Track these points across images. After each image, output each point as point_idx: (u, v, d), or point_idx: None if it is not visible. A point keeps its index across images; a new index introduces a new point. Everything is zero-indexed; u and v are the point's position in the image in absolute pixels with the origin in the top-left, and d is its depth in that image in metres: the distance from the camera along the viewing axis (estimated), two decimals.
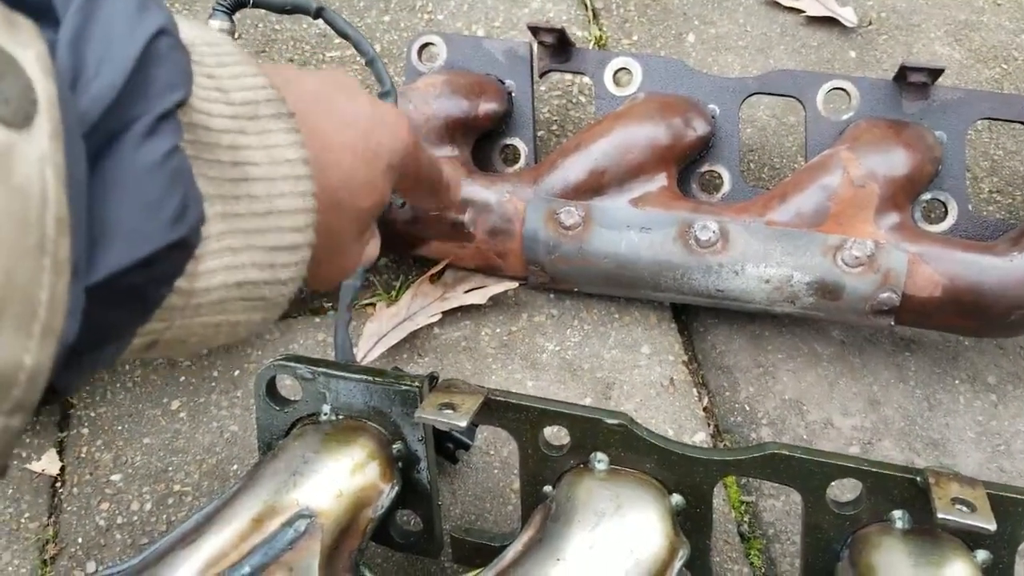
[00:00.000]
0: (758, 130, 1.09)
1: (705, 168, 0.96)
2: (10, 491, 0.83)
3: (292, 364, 0.73)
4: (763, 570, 0.78)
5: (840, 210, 0.85)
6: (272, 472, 0.69)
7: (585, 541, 0.65)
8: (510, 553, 0.67)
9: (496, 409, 0.71)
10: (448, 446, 0.81)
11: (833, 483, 0.67)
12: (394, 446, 0.72)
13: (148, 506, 0.82)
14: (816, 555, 0.70)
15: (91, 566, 0.78)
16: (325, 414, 0.73)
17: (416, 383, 0.71)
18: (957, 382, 0.89)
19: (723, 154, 0.95)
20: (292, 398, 0.75)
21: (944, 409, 0.87)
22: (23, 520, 0.82)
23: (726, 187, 0.95)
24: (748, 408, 0.88)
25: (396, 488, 0.71)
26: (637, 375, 0.90)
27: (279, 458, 0.70)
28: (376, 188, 0.50)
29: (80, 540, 0.80)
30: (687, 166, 0.96)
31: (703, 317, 0.95)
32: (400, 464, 0.73)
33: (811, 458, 0.67)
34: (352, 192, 0.48)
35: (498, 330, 0.93)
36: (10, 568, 0.78)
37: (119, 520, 0.81)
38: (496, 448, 0.86)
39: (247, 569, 0.63)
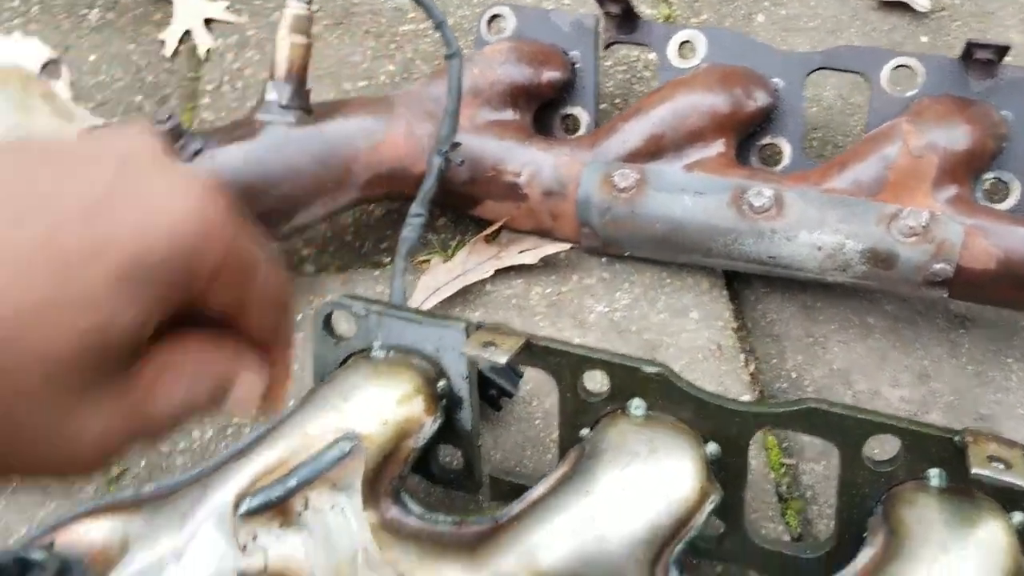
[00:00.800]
0: (823, 109, 1.09)
1: (766, 140, 0.97)
2: None
3: (348, 301, 0.76)
4: (798, 530, 0.79)
5: (898, 180, 0.85)
6: (323, 397, 0.72)
7: (615, 478, 0.66)
8: (541, 487, 0.69)
9: (537, 352, 0.73)
10: (492, 393, 0.84)
11: (870, 440, 0.68)
12: (439, 383, 0.75)
13: (208, 434, 0.86)
14: (850, 511, 0.70)
15: (152, 488, 0.82)
16: (375, 349, 0.76)
17: (463, 324, 0.73)
18: (1011, 360, 0.88)
19: (785, 127, 0.96)
20: (346, 335, 0.78)
21: (995, 386, 0.86)
22: None
23: (786, 160, 0.96)
24: (795, 376, 0.89)
25: (439, 423, 0.74)
26: (684, 339, 0.91)
27: (330, 385, 0.73)
28: (93, 308, 0.32)
29: (143, 462, 0.85)
30: (748, 137, 0.96)
31: (756, 286, 0.95)
32: (444, 401, 0.75)
33: (849, 414, 0.68)
34: (26, 323, 0.30)
35: (548, 290, 0.95)
36: (75, 487, 0.83)
37: (181, 446, 0.85)
38: (539, 399, 0.88)
39: (294, 482, 0.66)
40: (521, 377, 0.85)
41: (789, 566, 0.72)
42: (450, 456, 0.80)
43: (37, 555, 0.62)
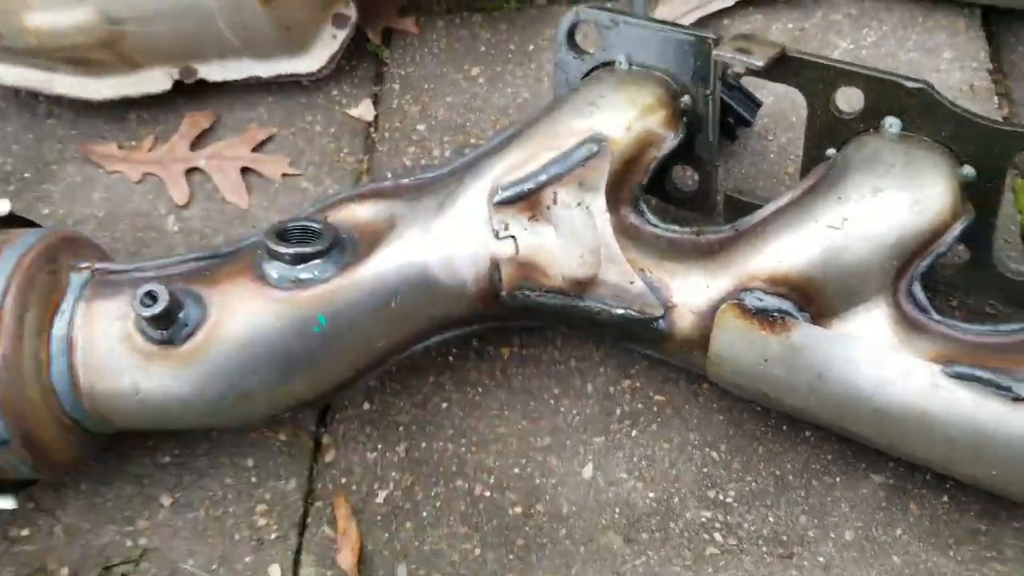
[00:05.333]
0: None
1: None
2: (332, 130, 0.94)
3: (594, 12, 0.76)
4: None
5: None
6: (571, 102, 0.73)
7: (869, 185, 0.65)
8: (785, 197, 0.69)
9: (791, 65, 0.71)
10: (729, 121, 0.83)
11: None
12: (682, 99, 0.74)
13: (448, 152, 0.90)
14: None
15: (409, 179, 0.87)
16: (620, 63, 0.76)
17: (712, 35, 0.72)
18: None
19: None
20: (589, 50, 0.78)
21: None
22: (342, 155, 0.93)
23: None
24: None
25: (680, 137, 0.74)
26: (935, 79, 0.85)
27: (578, 92, 0.74)
28: None
29: (389, 175, 0.90)
30: None
31: (1015, 27, 0.88)
32: (685, 119, 0.75)
33: None
34: None
35: (790, 25, 0.92)
36: (330, 191, 0.90)
37: (423, 162, 0.90)
38: (775, 134, 0.86)
39: (544, 176, 0.69)
40: (759, 107, 0.84)
41: None
42: (685, 174, 0.81)
43: (316, 225, 0.69)
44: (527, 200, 0.69)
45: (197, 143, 0.95)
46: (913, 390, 0.61)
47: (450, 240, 0.69)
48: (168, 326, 0.64)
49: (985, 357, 0.62)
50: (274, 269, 0.67)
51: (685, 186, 0.81)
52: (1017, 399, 0.59)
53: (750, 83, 0.82)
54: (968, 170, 0.68)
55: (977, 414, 0.60)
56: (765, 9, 0.93)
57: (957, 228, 0.66)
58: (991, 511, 0.67)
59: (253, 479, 0.76)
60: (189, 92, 0.95)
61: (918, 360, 0.61)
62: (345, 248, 0.69)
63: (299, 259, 0.66)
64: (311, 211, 0.73)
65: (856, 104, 0.70)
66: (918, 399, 0.61)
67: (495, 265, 0.69)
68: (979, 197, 0.69)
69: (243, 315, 0.66)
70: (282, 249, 0.67)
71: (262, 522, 0.74)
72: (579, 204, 0.70)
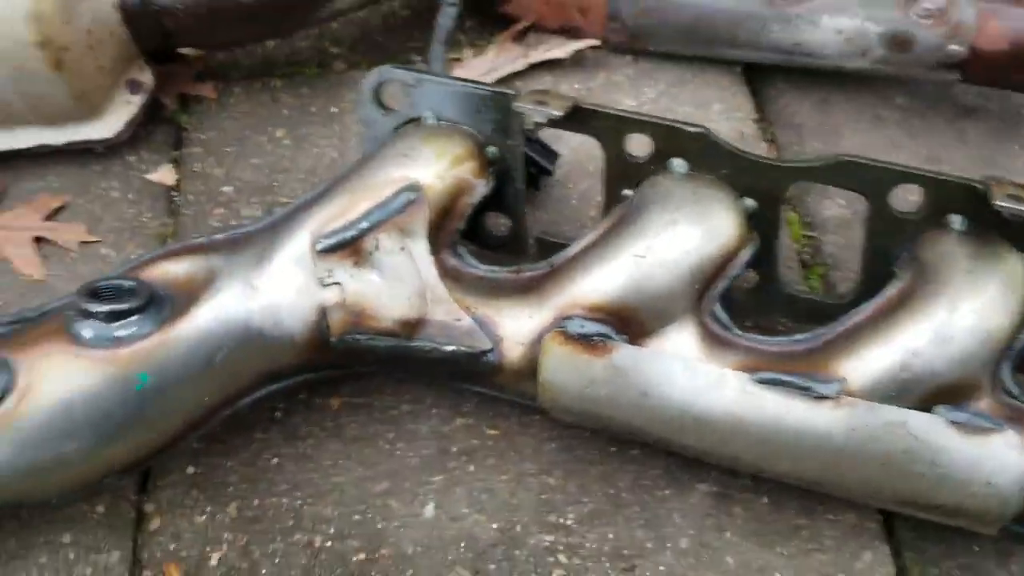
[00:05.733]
0: None
1: None
2: (131, 196, 0.91)
3: (398, 71, 0.79)
4: (822, 290, 0.85)
5: None
6: (383, 155, 0.76)
7: (665, 220, 0.71)
8: (592, 234, 0.74)
9: (585, 115, 0.77)
10: (531, 171, 0.88)
11: (897, 189, 0.73)
12: (489, 149, 0.78)
13: (258, 212, 0.90)
14: (876, 260, 0.76)
15: (221, 236, 0.85)
16: (427, 118, 0.79)
17: (511, 90, 0.77)
18: (1016, 147, 0.94)
19: None
20: (395, 108, 0.81)
21: (1001, 167, 0.92)
22: (144, 219, 0.90)
23: None
24: None
25: (490, 185, 0.78)
26: (710, 127, 0.95)
27: (389, 145, 0.77)
28: None
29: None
30: None
31: (774, 81, 1.00)
32: (493, 169, 0.79)
33: (878, 164, 0.73)
34: None
35: (576, 85, 0.99)
36: (133, 256, 0.87)
37: (232, 223, 0.89)
38: (575, 182, 0.92)
39: (365, 224, 0.71)
40: (558, 158, 0.89)
41: (817, 312, 0.78)
42: (497, 221, 0.85)
43: (129, 282, 0.66)
44: (350, 247, 0.70)
45: None
46: (727, 398, 0.66)
47: (273, 290, 0.69)
48: None
49: (785, 364, 0.68)
50: (88, 329, 0.64)
51: (499, 232, 0.85)
52: (819, 397, 0.65)
53: (547, 137, 0.88)
54: (749, 202, 0.76)
55: (784, 415, 0.66)
56: (553, 71, 1.00)
57: (746, 253, 0.74)
58: (808, 507, 0.73)
59: (71, 555, 0.71)
60: None
61: (727, 371, 0.67)
62: (163, 304, 0.67)
63: (114, 316, 0.64)
64: (122, 271, 0.70)
65: (646, 149, 0.77)
66: (732, 405, 0.66)
67: (322, 312, 0.69)
68: (761, 226, 0.76)
69: (58, 379, 0.62)
70: (95, 308, 0.64)
71: None
72: (402, 249, 0.71)
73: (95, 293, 0.65)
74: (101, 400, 0.63)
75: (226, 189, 0.92)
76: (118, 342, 0.64)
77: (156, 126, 0.96)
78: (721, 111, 0.97)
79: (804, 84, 0.99)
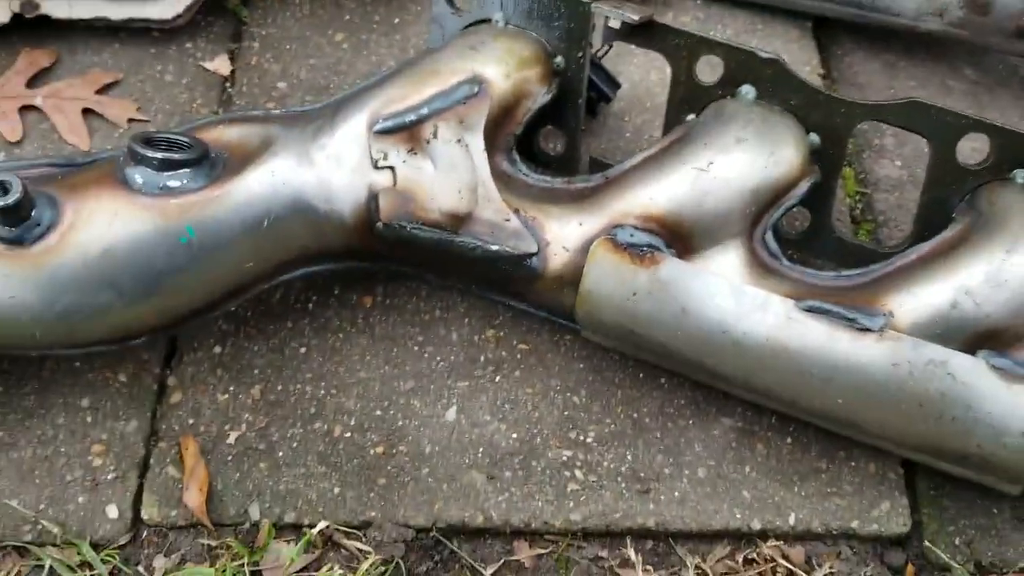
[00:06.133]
0: None
1: None
2: (185, 81, 0.90)
3: None
4: (870, 246, 0.83)
5: None
6: (452, 46, 0.75)
7: (731, 135, 0.70)
8: (652, 148, 0.72)
9: (659, 31, 0.75)
10: (592, 95, 0.86)
11: (963, 139, 0.71)
12: (555, 59, 0.77)
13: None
14: (932, 209, 0.74)
15: (280, 111, 0.83)
16: (497, 21, 0.78)
17: None
18: None
19: None
20: (464, 7, 0.80)
21: None
22: (195, 105, 0.89)
23: None
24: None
25: (553, 93, 0.76)
26: None
27: (459, 38, 0.76)
28: None
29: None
30: None
31: (842, 40, 0.98)
32: (556, 80, 0.78)
33: (950, 110, 0.71)
34: None
35: None
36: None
37: None
38: (631, 116, 0.91)
39: (426, 110, 0.70)
40: (619, 87, 0.88)
41: (864, 261, 0.76)
42: (552, 141, 0.83)
43: (184, 138, 0.66)
44: (407, 132, 0.69)
45: (34, 82, 0.88)
46: (769, 322, 0.65)
47: (327, 166, 0.68)
48: (19, 222, 0.59)
49: (832, 296, 0.66)
50: (139, 174, 0.63)
51: (552, 151, 0.83)
52: (863, 329, 0.63)
53: (610, 67, 0.87)
54: (814, 137, 0.74)
55: (825, 344, 0.64)
56: (623, 6, 0.98)
57: (805, 184, 0.72)
58: (830, 452, 0.71)
59: (88, 419, 0.70)
60: (29, 28, 0.89)
61: (773, 295, 0.65)
62: (216, 163, 0.66)
63: (167, 165, 0.63)
64: (179, 130, 0.69)
65: (715, 73, 0.75)
66: (774, 331, 0.65)
67: (373, 194, 0.68)
68: (823, 164, 0.75)
69: (103, 221, 0.61)
70: (150, 153, 0.63)
71: (98, 463, 0.68)
72: (458, 141, 0.70)
73: (149, 141, 0.64)
74: (145, 248, 0.62)
75: (281, 85, 0.91)
76: (168, 191, 0.63)
77: (216, 17, 0.95)
78: (789, 62, 0.95)
79: (873, 46, 0.97)
